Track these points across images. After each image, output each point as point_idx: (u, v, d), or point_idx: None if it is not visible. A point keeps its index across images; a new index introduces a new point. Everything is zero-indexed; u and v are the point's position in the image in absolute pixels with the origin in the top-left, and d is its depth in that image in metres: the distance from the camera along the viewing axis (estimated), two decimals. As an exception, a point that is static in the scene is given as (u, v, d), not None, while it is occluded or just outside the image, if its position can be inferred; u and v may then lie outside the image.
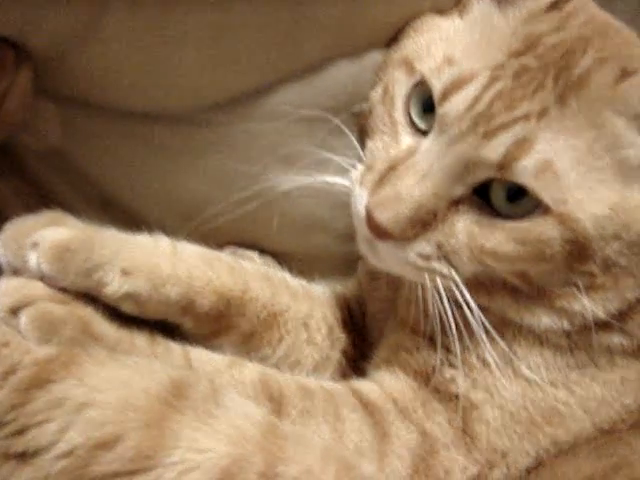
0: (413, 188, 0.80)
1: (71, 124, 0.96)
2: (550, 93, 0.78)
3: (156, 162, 0.98)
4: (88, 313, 0.86)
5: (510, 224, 0.79)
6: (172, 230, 0.94)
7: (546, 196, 0.77)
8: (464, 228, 0.81)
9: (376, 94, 0.94)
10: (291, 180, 0.95)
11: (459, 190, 0.80)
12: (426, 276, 0.83)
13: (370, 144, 0.91)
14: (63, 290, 0.86)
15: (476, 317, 0.83)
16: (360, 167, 0.90)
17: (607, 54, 0.81)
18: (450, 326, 0.84)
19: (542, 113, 0.77)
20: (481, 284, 0.84)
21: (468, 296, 0.83)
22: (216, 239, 0.98)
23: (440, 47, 0.86)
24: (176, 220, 0.99)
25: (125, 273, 0.86)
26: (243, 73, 0.93)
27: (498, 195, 0.80)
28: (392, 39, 0.96)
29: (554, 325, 0.84)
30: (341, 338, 1.04)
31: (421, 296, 0.86)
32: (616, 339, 0.85)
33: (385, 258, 0.86)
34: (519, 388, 0.86)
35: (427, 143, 0.82)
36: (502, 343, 0.84)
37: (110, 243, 0.88)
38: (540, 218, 0.78)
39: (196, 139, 0.97)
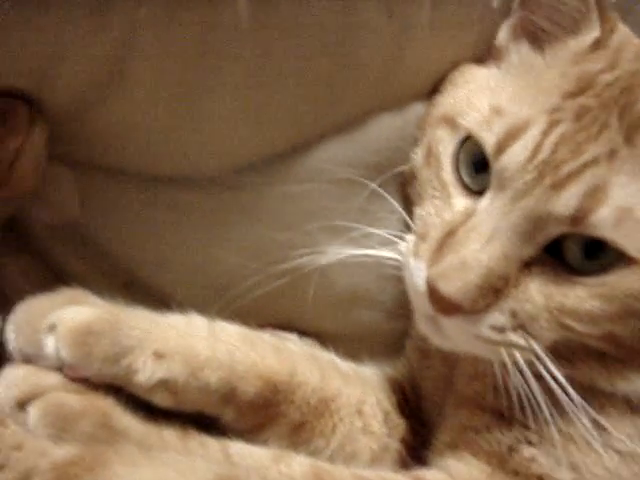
0: (479, 253, 0.72)
1: (89, 193, 0.86)
2: (616, 132, 0.72)
3: (183, 232, 0.87)
4: (108, 404, 0.78)
5: (592, 279, 0.72)
6: (202, 309, 0.85)
7: (630, 247, 0.70)
8: (539, 290, 0.73)
9: (417, 156, 0.88)
10: (333, 252, 0.85)
11: (530, 250, 0.72)
12: (502, 351, 0.74)
13: (419, 211, 0.83)
14: (82, 380, 0.77)
15: (564, 388, 0.73)
16: (410, 237, 0.82)
17: None
18: (536, 401, 0.74)
19: (611, 155, 0.71)
20: (563, 353, 0.75)
21: (552, 367, 0.73)
22: (251, 318, 0.87)
23: (483, 98, 0.81)
24: (206, 297, 0.87)
25: (158, 356, 0.78)
26: (281, 128, 0.85)
27: (573, 251, 0.72)
28: (433, 91, 0.91)
29: None
30: (399, 425, 0.94)
31: (499, 374, 0.76)
32: None
33: (452, 336, 0.77)
34: (611, 463, 0.76)
35: (485, 203, 0.75)
36: (592, 412, 0.74)
37: (139, 323, 0.80)
38: (625, 269, 0.70)
39: (228, 204, 0.87)
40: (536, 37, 0.83)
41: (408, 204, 0.91)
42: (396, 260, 0.83)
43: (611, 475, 0.75)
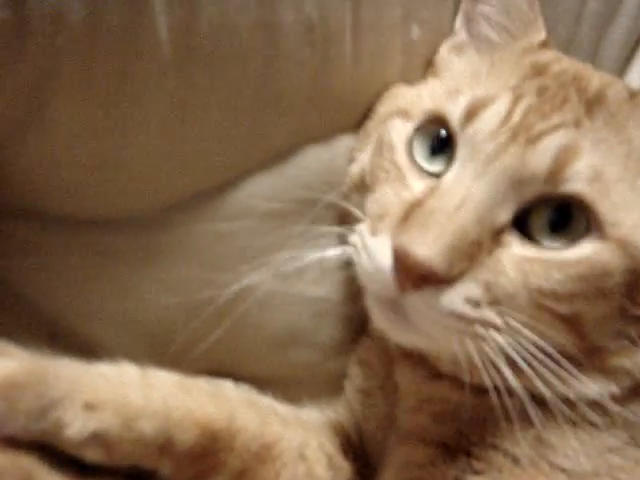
0: (453, 214, 0.69)
1: (7, 239, 0.80)
2: (577, 105, 0.75)
3: (111, 276, 0.83)
4: (31, 463, 0.72)
5: (567, 255, 0.71)
6: (133, 357, 0.80)
7: (603, 208, 0.70)
8: (513, 263, 0.71)
9: (362, 159, 0.87)
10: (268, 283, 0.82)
11: (504, 215, 0.71)
12: (476, 333, 0.70)
13: (374, 196, 0.80)
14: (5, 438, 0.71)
15: (521, 395, 0.70)
16: (361, 226, 0.78)
17: (607, 79, 0.82)
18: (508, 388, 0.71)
19: (576, 123, 0.74)
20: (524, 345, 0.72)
21: (531, 347, 0.70)
22: (185, 365, 0.83)
23: (436, 89, 0.83)
24: (137, 345, 0.84)
25: (89, 408, 0.73)
26: (208, 164, 0.82)
27: (540, 223, 0.72)
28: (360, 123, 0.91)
29: (603, 391, 0.74)
30: (343, 468, 0.90)
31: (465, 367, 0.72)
32: None
33: (418, 318, 0.71)
34: None
35: (453, 174, 0.74)
36: (538, 426, 0.72)
37: (66, 374, 0.74)
38: (598, 245, 0.70)
39: (157, 245, 0.83)
40: (481, 46, 0.87)
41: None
42: (345, 255, 0.79)
43: None
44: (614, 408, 0.74)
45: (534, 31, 0.84)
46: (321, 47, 0.82)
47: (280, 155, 0.86)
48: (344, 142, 0.90)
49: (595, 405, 0.74)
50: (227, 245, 0.85)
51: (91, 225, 0.81)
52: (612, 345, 0.74)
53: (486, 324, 0.70)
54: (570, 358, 0.73)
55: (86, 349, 0.80)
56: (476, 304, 0.70)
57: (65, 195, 0.79)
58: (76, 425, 0.71)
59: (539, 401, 0.72)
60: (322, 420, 0.93)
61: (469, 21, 0.90)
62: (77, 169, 0.77)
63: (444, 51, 0.91)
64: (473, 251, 0.69)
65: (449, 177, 0.74)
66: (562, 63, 0.82)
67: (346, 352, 0.95)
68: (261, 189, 0.86)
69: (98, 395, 0.73)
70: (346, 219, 0.86)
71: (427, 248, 0.67)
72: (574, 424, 0.74)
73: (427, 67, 0.92)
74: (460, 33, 0.91)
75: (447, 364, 0.80)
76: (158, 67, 0.73)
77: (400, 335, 0.77)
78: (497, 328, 0.70)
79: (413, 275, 0.68)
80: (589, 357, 0.74)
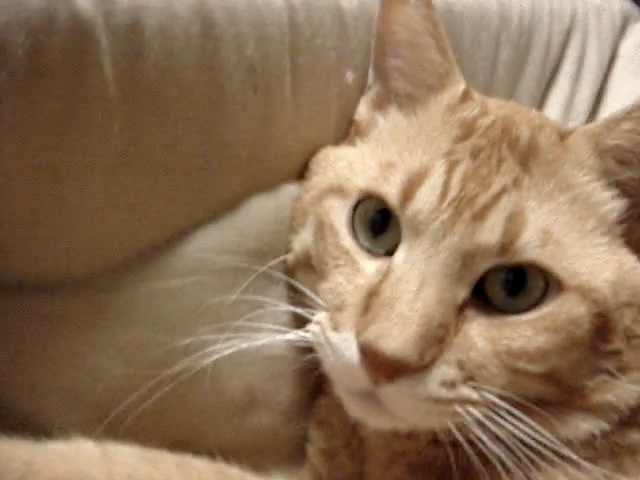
0: (414, 302, 0.68)
1: None
2: (513, 163, 0.75)
3: (56, 345, 0.74)
4: None
5: (531, 315, 0.70)
6: (86, 433, 0.73)
7: (558, 268, 0.70)
8: (480, 335, 0.69)
9: (303, 239, 0.84)
10: (223, 348, 0.76)
11: (462, 292, 0.70)
12: (451, 416, 0.69)
13: (325, 285, 0.78)
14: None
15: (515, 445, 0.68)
16: (320, 315, 0.76)
17: (536, 123, 0.81)
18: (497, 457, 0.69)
19: (516, 184, 0.73)
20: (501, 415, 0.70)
21: (509, 417, 0.69)
22: (139, 439, 0.75)
23: (367, 161, 0.81)
24: (89, 419, 0.75)
25: None
26: (155, 216, 0.77)
27: (497, 291, 0.71)
28: (300, 175, 0.90)
29: (593, 429, 0.73)
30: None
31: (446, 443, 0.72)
32: (637, 437, 0.75)
33: (395, 408, 0.70)
34: None
35: (402, 255, 0.73)
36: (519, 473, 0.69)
37: (19, 454, 0.67)
38: (559, 299, 0.70)
39: (104, 308, 0.76)
40: (402, 102, 0.84)
41: (294, 295, 0.86)
42: (305, 342, 0.76)
43: None
44: (603, 444, 0.73)
45: (453, 82, 0.83)
46: (263, 91, 0.80)
47: (228, 205, 0.83)
48: (289, 191, 0.88)
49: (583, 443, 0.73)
50: (180, 303, 0.79)
51: (32, 289, 0.74)
52: (590, 383, 0.73)
53: (463, 402, 0.69)
54: (552, 403, 0.72)
55: (33, 429, 0.70)
56: (452, 385, 0.68)
57: (2, 257, 0.71)
58: (36, 511, 0.63)
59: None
60: (293, 489, 0.86)
61: (382, 76, 0.88)
62: (15, 225, 0.69)
63: (363, 109, 0.90)
64: (441, 334, 0.68)
65: (399, 259, 0.72)
66: (488, 115, 0.81)
67: (305, 414, 0.89)
68: (212, 242, 0.81)
69: (56, 475, 0.66)
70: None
71: (395, 342, 0.66)
72: (559, 464, 0.71)
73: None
74: (374, 88, 0.90)
75: (423, 433, 0.77)
76: (103, 107, 0.69)
77: (377, 422, 0.75)
78: (474, 403, 0.69)
79: (385, 369, 0.67)
80: (570, 399, 0.73)
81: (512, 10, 1.13)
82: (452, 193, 0.71)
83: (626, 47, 1.32)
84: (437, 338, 0.67)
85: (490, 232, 0.69)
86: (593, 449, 0.73)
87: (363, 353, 0.67)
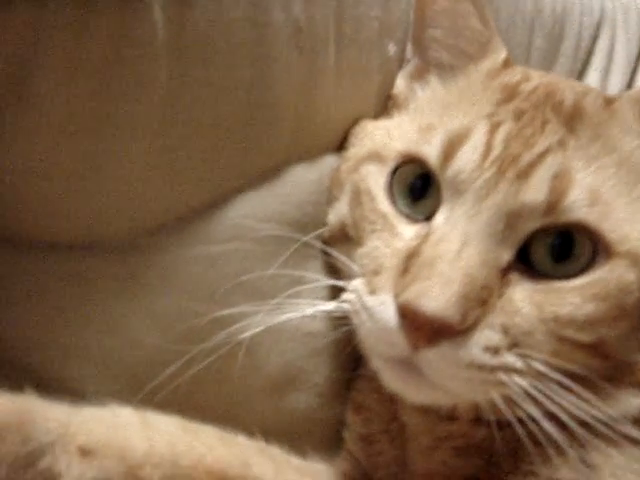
0: (456, 261, 0.65)
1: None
2: (557, 125, 0.72)
3: (90, 309, 0.70)
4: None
5: (579, 281, 0.67)
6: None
7: (607, 231, 0.67)
8: (525, 300, 0.66)
9: (339, 209, 0.81)
10: (264, 321, 0.73)
11: (506, 254, 0.67)
12: (499, 381, 0.65)
13: (363, 250, 0.74)
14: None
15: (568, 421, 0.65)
16: (355, 282, 0.72)
17: (580, 89, 0.80)
18: (543, 433, 0.65)
19: (561, 145, 0.70)
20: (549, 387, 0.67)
21: (557, 388, 0.65)
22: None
23: (406, 127, 0.79)
24: (120, 390, 0.70)
25: (86, 453, 0.62)
26: (196, 180, 0.74)
27: (542, 256, 0.68)
28: (340, 147, 0.87)
29: None
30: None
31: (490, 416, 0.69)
32: None
33: (436, 375, 0.66)
34: None
35: (443, 216, 0.70)
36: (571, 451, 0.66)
37: (55, 414, 0.63)
38: (608, 265, 0.67)
39: (142, 273, 0.72)
40: (441, 72, 0.82)
41: (332, 271, 0.83)
42: (342, 312, 0.72)
43: None
44: None
45: (493, 50, 0.81)
46: (308, 55, 0.78)
47: (269, 173, 0.80)
48: (329, 162, 0.85)
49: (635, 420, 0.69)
50: (220, 271, 0.76)
51: (68, 250, 0.70)
52: None
53: (508, 370, 0.65)
54: (600, 380, 0.68)
55: (67, 395, 0.66)
56: (495, 351, 0.65)
57: (38, 213, 0.68)
58: (72, 474, 0.60)
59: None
60: (332, 472, 0.82)
61: (421, 48, 0.86)
62: (54, 177, 0.66)
63: (402, 83, 0.88)
64: (484, 296, 0.65)
65: (440, 220, 0.70)
66: (531, 80, 0.79)
67: (343, 398, 0.86)
68: (253, 209, 0.78)
69: (94, 439, 0.62)
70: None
71: (437, 301, 0.62)
72: (615, 442, 0.68)
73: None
74: (413, 61, 0.88)
75: (466, 410, 0.74)
76: (150, 53, 0.66)
77: (416, 394, 0.71)
78: (520, 372, 0.65)
79: (425, 331, 0.63)
80: (619, 375, 0.70)
81: (544, -3, 1.13)
82: (495, 152, 0.69)
83: (651, 47, 1.31)
84: (480, 300, 0.64)
85: (535, 190, 0.66)
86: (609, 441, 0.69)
87: (402, 315, 0.64)
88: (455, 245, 0.65)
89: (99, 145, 0.67)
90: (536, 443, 0.66)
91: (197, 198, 0.75)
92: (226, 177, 0.76)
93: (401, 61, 0.89)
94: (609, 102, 0.75)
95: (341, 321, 0.75)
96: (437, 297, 0.62)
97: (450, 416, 0.76)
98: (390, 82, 0.88)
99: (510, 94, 0.75)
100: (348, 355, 0.84)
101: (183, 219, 0.74)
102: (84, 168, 0.67)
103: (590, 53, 1.20)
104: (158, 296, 0.73)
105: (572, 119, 0.72)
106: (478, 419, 0.74)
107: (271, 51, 0.74)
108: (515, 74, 0.79)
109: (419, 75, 0.85)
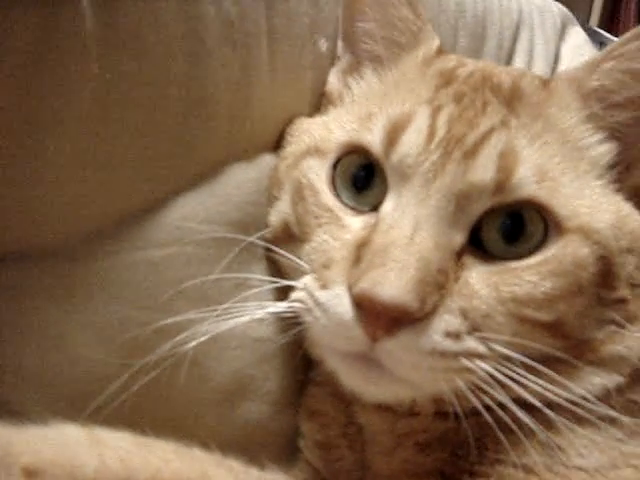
0: (410, 246, 0.63)
1: None
2: (498, 105, 0.72)
3: (25, 324, 0.65)
4: None
5: (534, 260, 0.66)
6: None
7: (557, 206, 0.67)
8: (482, 282, 0.65)
9: (281, 209, 0.79)
10: (213, 327, 0.69)
11: (459, 236, 0.66)
12: (463, 366, 0.63)
13: (311, 245, 0.72)
14: None
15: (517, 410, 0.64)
16: (304, 279, 0.70)
17: (516, 72, 0.81)
18: (513, 418, 0.64)
19: (504, 124, 0.70)
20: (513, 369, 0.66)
21: (522, 371, 0.64)
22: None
23: (345, 119, 0.78)
24: (65, 409, 0.64)
25: (30, 474, 0.56)
26: (133, 179, 0.70)
27: (494, 237, 0.67)
28: (277, 146, 0.85)
29: (606, 383, 0.69)
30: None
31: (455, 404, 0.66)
32: None
33: (397, 366, 0.64)
34: None
35: (390, 204, 0.68)
36: (544, 433, 0.65)
37: None
38: (561, 241, 0.67)
39: (78, 282, 0.68)
40: (374, 65, 0.82)
41: (278, 273, 0.80)
42: (292, 312, 0.70)
43: None
44: (619, 401, 0.69)
45: (426, 38, 0.81)
46: (241, 49, 0.76)
47: (208, 173, 0.77)
48: (267, 161, 0.83)
49: (598, 399, 0.69)
50: (162, 276, 0.72)
51: (2, 261, 0.65)
52: (599, 335, 0.70)
53: (471, 355, 0.64)
54: (563, 360, 0.68)
55: (4, 416, 0.59)
56: (456, 336, 0.64)
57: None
58: (17, 498, 0.54)
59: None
60: (292, 482, 0.78)
61: (352, 43, 0.85)
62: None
63: (334, 79, 0.87)
64: (440, 280, 0.64)
65: (388, 207, 0.68)
66: (466, 65, 0.80)
67: (296, 406, 0.82)
68: (193, 211, 0.75)
69: (41, 458, 0.56)
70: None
71: (394, 288, 0.61)
72: (578, 422, 0.67)
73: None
74: (345, 57, 0.87)
75: (426, 404, 0.72)
76: (80, 43, 0.62)
77: (377, 390, 0.69)
78: (482, 356, 0.64)
79: (384, 321, 0.61)
80: (580, 353, 0.69)
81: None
82: (439, 134, 0.68)
83: (565, 50, 1.34)
84: (437, 284, 0.63)
85: (483, 169, 0.66)
86: (612, 407, 0.68)
87: (358, 306, 0.62)
88: (407, 230, 0.64)
89: (27, 145, 0.62)
90: (503, 429, 0.65)
91: (134, 201, 0.71)
92: (163, 178, 0.73)
93: (333, 57, 0.87)
94: (545, 83, 0.76)
95: (290, 324, 0.73)
96: (394, 283, 0.60)
97: (410, 412, 0.74)
98: (323, 79, 0.87)
99: (448, 79, 0.75)
100: (300, 360, 0.81)
101: (121, 224, 0.71)
102: (12, 172, 0.62)
103: (512, 53, 1.22)
104: (98, 306, 0.69)
105: (512, 100, 0.72)
106: (439, 412, 0.72)
107: (204, 46, 0.72)
108: (450, 60, 0.80)
109: (352, 70, 0.84)
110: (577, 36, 1.36)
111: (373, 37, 0.82)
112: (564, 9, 1.42)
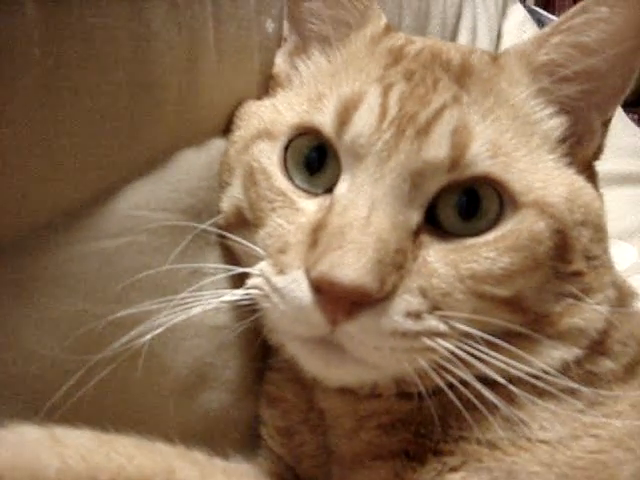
0: (367, 227, 0.63)
1: None
2: (449, 82, 0.73)
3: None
4: None
5: (491, 236, 0.67)
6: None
7: (512, 181, 0.68)
8: (440, 260, 0.65)
9: (233, 195, 0.78)
10: (170, 318, 0.68)
11: (415, 215, 0.66)
12: (425, 346, 0.64)
13: (265, 231, 0.71)
14: None
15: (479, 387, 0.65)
16: (260, 265, 0.69)
17: (465, 48, 0.81)
18: (476, 395, 0.65)
19: (456, 101, 0.71)
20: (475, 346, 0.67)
21: (483, 348, 0.65)
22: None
23: (295, 100, 0.77)
24: (21, 408, 0.63)
25: None
26: (81, 167, 0.67)
27: (450, 215, 0.68)
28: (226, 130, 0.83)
29: (566, 356, 0.71)
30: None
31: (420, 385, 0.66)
32: (607, 364, 0.74)
33: (358, 348, 0.64)
34: (544, 455, 0.68)
35: (345, 184, 0.68)
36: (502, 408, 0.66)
37: None
38: (517, 216, 0.68)
39: (29, 276, 0.65)
40: (322, 45, 0.81)
41: (233, 260, 0.78)
42: (248, 299, 0.69)
43: (549, 467, 0.67)
44: (579, 373, 0.71)
45: (374, 17, 0.81)
46: (188, 31, 0.74)
47: (157, 159, 0.75)
48: (217, 145, 0.81)
49: (558, 371, 0.70)
50: (115, 267, 0.70)
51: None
52: (557, 308, 0.71)
53: (432, 334, 0.64)
54: (523, 334, 0.69)
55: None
56: (417, 316, 0.64)
57: None
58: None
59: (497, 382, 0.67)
60: (257, 470, 0.78)
61: (299, 23, 0.84)
62: None
63: (281, 61, 0.86)
64: (399, 260, 0.64)
65: (343, 189, 0.68)
66: (415, 43, 0.79)
67: (257, 392, 0.82)
68: (144, 198, 0.73)
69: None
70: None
71: (352, 269, 0.60)
72: (539, 395, 0.69)
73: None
74: (291, 38, 0.85)
75: (388, 385, 0.72)
76: (22, 30, 0.59)
77: (339, 374, 0.69)
78: (443, 335, 0.65)
79: (343, 304, 0.61)
80: (539, 327, 0.70)
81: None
82: (391, 113, 0.68)
83: (507, 26, 1.35)
84: (395, 264, 0.63)
85: (437, 146, 0.66)
86: (571, 380, 0.70)
87: (317, 289, 0.61)
88: (363, 211, 0.64)
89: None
90: (466, 406, 0.66)
91: (83, 190, 0.69)
92: (112, 165, 0.70)
93: (279, 39, 0.86)
94: (495, 58, 0.76)
95: (248, 311, 0.72)
96: (352, 265, 0.60)
97: (372, 394, 0.74)
98: (271, 61, 0.85)
99: (397, 57, 0.75)
100: (259, 347, 0.80)
101: (71, 214, 0.68)
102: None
103: (456, 31, 1.22)
104: (51, 300, 0.66)
105: (462, 76, 0.73)
106: (401, 393, 0.72)
107: (149, 27, 0.70)
108: (398, 38, 0.79)
109: (299, 51, 0.83)
110: (518, 13, 1.37)
111: (320, 17, 0.81)
112: (503, -15, 1.44)
